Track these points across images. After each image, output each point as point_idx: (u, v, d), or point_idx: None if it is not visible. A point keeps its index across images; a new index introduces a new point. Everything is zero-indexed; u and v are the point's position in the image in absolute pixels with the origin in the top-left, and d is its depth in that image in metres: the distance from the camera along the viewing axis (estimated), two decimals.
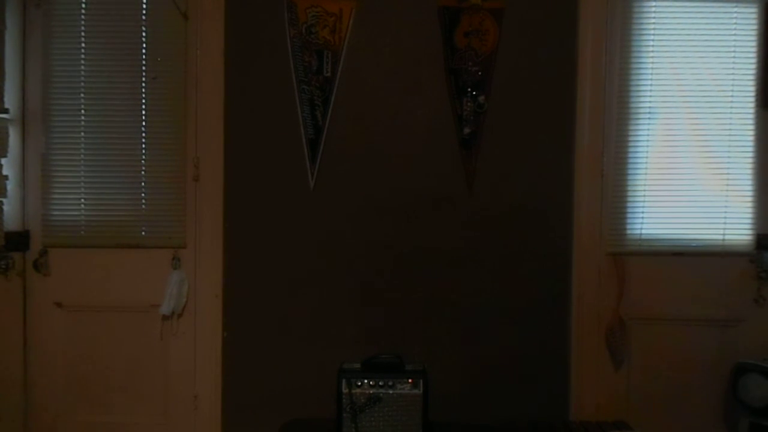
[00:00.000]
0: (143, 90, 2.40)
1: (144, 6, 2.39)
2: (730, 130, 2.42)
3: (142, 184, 2.42)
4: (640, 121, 2.42)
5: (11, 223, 2.37)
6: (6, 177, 2.33)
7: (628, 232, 2.44)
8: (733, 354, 2.37)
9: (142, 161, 2.41)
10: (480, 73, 2.38)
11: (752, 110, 2.41)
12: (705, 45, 2.41)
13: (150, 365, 2.43)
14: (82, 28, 2.40)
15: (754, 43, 2.40)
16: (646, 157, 2.42)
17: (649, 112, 2.42)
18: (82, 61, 2.40)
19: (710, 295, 2.42)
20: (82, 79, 2.40)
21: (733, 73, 2.41)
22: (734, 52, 2.41)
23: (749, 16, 2.40)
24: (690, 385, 2.42)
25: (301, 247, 2.41)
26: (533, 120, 2.40)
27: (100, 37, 2.40)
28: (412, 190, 2.40)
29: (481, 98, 2.37)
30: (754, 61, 2.40)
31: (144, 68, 2.40)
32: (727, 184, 2.42)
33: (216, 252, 2.40)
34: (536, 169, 2.41)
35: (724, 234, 2.42)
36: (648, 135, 2.42)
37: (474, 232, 2.40)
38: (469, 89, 2.37)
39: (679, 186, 2.42)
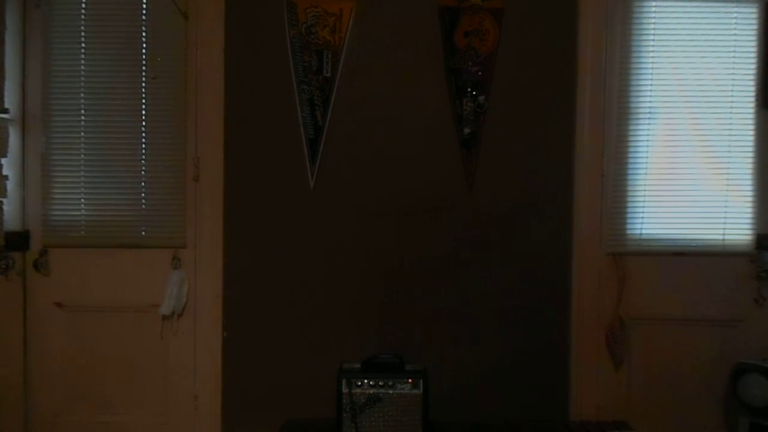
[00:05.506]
0: (143, 90, 2.40)
1: (144, 6, 2.39)
2: (730, 130, 2.42)
3: (142, 184, 2.42)
4: (640, 121, 2.42)
5: (11, 223, 2.37)
6: (6, 177, 2.33)
7: (628, 232, 2.43)
8: (733, 354, 2.36)
9: (142, 161, 2.41)
10: (480, 73, 2.38)
11: (752, 110, 2.41)
12: (705, 45, 2.41)
13: (150, 365, 2.43)
14: (82, 28, 2.40)
15: (754, 43, 2.40)
16: (646, 157, 2.42)
17: (649, 112, 2.42)
18: (82, 61, 2.40)
19: (710, 295, 2.42)
20: (82, 79, 2.40)
21: (733, 73, 2.41)
22: (734, 52, 2.40)
23: (749, 16, 2.40)
24: (690, 385, 2.42)
25: (302, 247, 2.41)
26: (533, 120, 2.40)
27: (100, 37, 2.40)
28: (412, 189, 2.40)
29: (481, 98, 2.37)
30: (754, 61, 2.40)
31: (144, 68, 2.40)
32: (727, 184, 2.42)
33: (216, 252, 2.40)
34: (536, 169, 2.41)
35: (724, 234, 2.42)
36: (648, 135, 2.42)
37: (474, 232, 2.40)
38: (469, 89, 2.37)
39: (679, 186, 2.42)
